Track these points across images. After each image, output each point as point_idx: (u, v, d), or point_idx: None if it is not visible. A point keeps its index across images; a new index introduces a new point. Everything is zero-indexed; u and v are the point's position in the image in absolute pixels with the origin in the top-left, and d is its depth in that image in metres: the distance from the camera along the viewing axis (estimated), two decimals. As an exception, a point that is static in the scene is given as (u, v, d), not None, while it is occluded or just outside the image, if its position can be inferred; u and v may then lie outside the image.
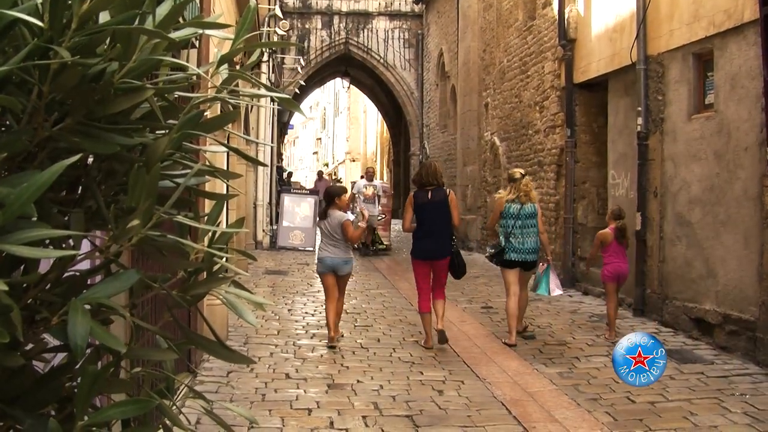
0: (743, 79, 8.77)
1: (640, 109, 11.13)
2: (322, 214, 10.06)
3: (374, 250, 20.53)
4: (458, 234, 22.09)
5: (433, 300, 9.62)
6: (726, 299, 9.05)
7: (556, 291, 10.33)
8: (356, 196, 19.54)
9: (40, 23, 1.51)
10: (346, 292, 10.18)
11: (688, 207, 9.98)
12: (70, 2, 1.54)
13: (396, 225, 23.67)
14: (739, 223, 8.85)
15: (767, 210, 8.17)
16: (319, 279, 10.48)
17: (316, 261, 10.51)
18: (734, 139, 8.94)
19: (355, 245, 18.65)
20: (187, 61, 2.21)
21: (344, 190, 10.53)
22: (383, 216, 21.16)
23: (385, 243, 21.31)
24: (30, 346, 1.72)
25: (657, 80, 10.84)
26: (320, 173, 33.29)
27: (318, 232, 10.25)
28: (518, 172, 10.28)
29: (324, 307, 10.48)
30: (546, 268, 10.26)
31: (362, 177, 22.64)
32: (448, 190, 9.92)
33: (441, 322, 9.52)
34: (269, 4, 19.44)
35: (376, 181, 21.55)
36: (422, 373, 8.17)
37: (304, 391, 7.40)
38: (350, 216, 10.00)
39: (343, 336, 10.01)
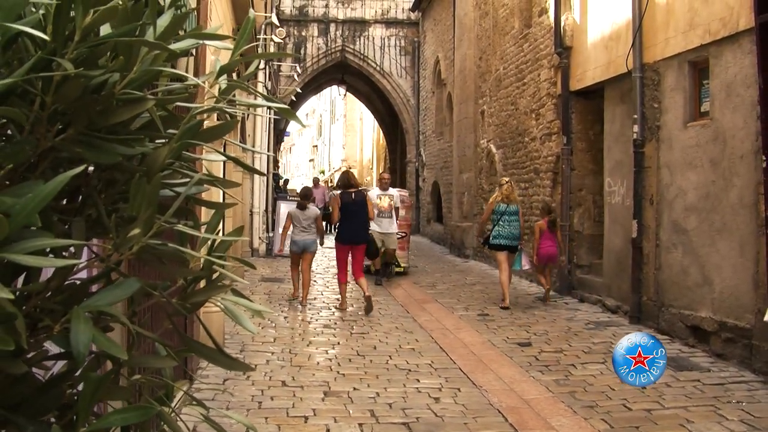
0: (739, 87, 8.80)
1: (636, 116, 11.16)
2: (301, 207, 13.51)
3: (387, 274, 16.70)
4: (454, 241, 22.06)
5: (356, 279, 13.01)
6: (722, 307, 9.07)
7: (526, 266, 13.77)
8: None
9: (44, 36, 1.54)
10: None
11: (684, 214, 10.01)
12: (73, 15, 1.56)
13: (415, 239, 22.30)
14: (735, 231, 8.88)
15: (763, 218, 8.19)
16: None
17: (289, 243, 13.56)
18: (730, 147, 8.98)
19: (372, 268, 16.12)
20: (186, 70, 2.24)
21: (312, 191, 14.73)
22: (402, 234, 17.38)
23: (402, 265, 17.58)
24: (31, 353, 1.73)
25: (653, 88, 10.88)
26: (316, 180, 33.26)
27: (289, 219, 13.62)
28: (504, 179, 13.99)
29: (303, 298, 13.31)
30: (520, 250, 13.51)
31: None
32: (364, 192, 13.73)
33: (367, 291, 12.48)
34: (266, 12, 19.48)
35: (393, 190, 17.15)
36: (419, 381, 8.18)
37: (301, 399, 7.41)
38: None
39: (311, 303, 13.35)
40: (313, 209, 13.68)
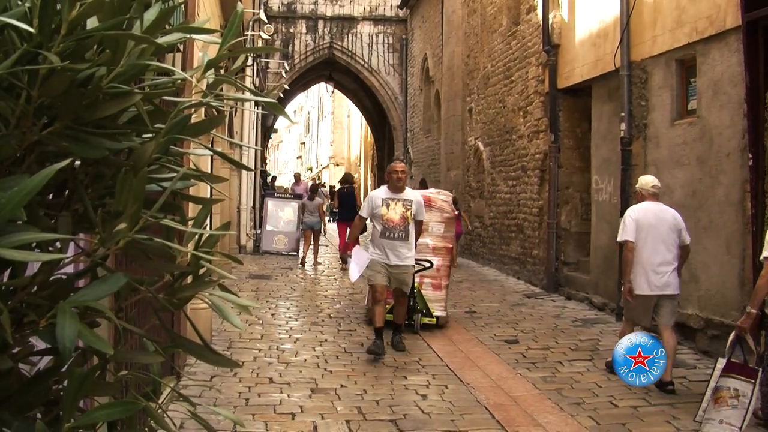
0: (725, 85, 8.83)
1: (623, 114, 11.19)
2: (310, 198, 19.79)
3: (408, 330, 10.38)
4: None
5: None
6: (708, 304, 9.11)
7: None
8: (372, 222, 9.64)
9: (29, 28, 1.52)
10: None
11: (670, 212, 10.02)
12: (59, 8, 1.55)
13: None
14: (722, 229, 8.91)
15: (749, 215, 8.22)
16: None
17: (302, 221, 19.95)
18: (716, 145, 9.01)
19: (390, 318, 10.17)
20: (173, 64, 2.23)
21: (321, 185, 20.61)
22: (430, 263, 10.92)
23: (435, 313, 10.88)
24: (17, 349, 1.72)
25: (640, 86, 10.91)
26: (297, 176, 32.96)
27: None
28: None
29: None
30: None
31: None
32: (354, 187, 20.51)
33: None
34: (254, 8, 19.43)
35: (410, 192, 9.97)
36: (406, 378, 8.18)
37: (288, 396, 7.40)
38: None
39: (320, 263, 19.62)
40: (317, 200, 19.87)
